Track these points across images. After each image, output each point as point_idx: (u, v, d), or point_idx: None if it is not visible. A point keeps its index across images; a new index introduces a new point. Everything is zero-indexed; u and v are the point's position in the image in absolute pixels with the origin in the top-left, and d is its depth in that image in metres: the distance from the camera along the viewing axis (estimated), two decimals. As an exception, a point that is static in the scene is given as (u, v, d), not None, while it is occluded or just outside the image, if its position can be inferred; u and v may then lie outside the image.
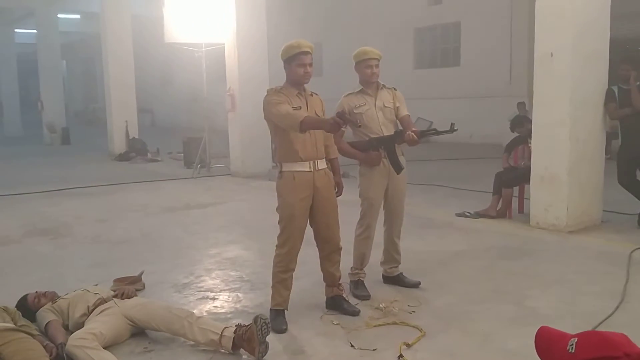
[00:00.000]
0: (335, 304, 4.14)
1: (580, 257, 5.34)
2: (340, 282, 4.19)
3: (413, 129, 4.22)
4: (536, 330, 1.59)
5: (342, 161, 4.28)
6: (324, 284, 4.19)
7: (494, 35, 15.06)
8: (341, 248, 4.11)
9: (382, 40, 15.06)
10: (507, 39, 14.77)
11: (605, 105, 6.32)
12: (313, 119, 3.72)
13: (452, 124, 4.13)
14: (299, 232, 3.86)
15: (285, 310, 3.95)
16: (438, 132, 4.27)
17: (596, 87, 6.26)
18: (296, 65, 3.84)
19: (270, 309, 3.92)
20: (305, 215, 3.88)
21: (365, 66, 4.36)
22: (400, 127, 4.43)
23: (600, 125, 6.35)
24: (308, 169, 3.84)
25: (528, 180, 6.48)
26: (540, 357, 1.54)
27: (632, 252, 5.25)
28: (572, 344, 1.45)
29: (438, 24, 17.01)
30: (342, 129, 4.13)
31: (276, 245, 3.93)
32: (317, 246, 4.08)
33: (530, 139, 6.50)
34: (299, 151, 3.81)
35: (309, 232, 3.99)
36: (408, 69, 17.27)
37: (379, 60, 4.38)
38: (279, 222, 3.90)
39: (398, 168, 4.35)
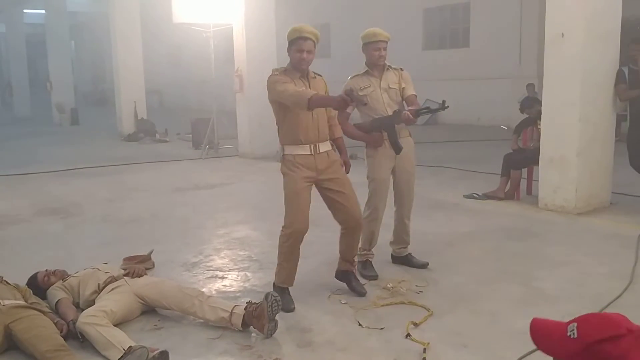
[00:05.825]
0: (345, 277, 4.17)
1: (589, 238, 5.34)
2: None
3: (408, 108, 4.24)
4: (530, 323, 1.57)
5: (350, 143, 4.28)
6: (338, 256, 4.17)
7: (504, 16, 14.89)
8: (361, 225, 4.09)
9: (391, 21, 14.92)
10: (517, 20, 14.60)
11: (615, 87, 6.25)
12: (321, 96, 3.72)
13: (443, 101, 4.18)
14: (303, 211, 3.87)
15: (289, 289, 3.97)
16: (431, 110, 4.32)
17: (607, 68, 6.19)
18: (295, 49, 3.83)
19: (275, 285, 3.95)
20: (308, 194, 3.89)
21: (373, 48, 4.34)
22: (407, 107, 4.43)
23: (610, 106, 6.30)
24: (309, 152, 3.84)
25: (537, 162, 6.46)
26: (539, 347, 1.52)
27: (641, 234, 5.23)
28: (573, 330, 1.44)
29: (447, 5, 16.81)
30: (349, 110, 4.15)
31: (283, 227, 3.94)
32: (339, 224, 4.06)
33: (540, 120, 6.46)
34: (300, 134, 3.81)
35: (314, 213, 3.99)
36: (417, 50, 17.12)
37: (387, 43, 4.36)
38: (285, 203, 3.91)
39: (397, 148, 4.35)
